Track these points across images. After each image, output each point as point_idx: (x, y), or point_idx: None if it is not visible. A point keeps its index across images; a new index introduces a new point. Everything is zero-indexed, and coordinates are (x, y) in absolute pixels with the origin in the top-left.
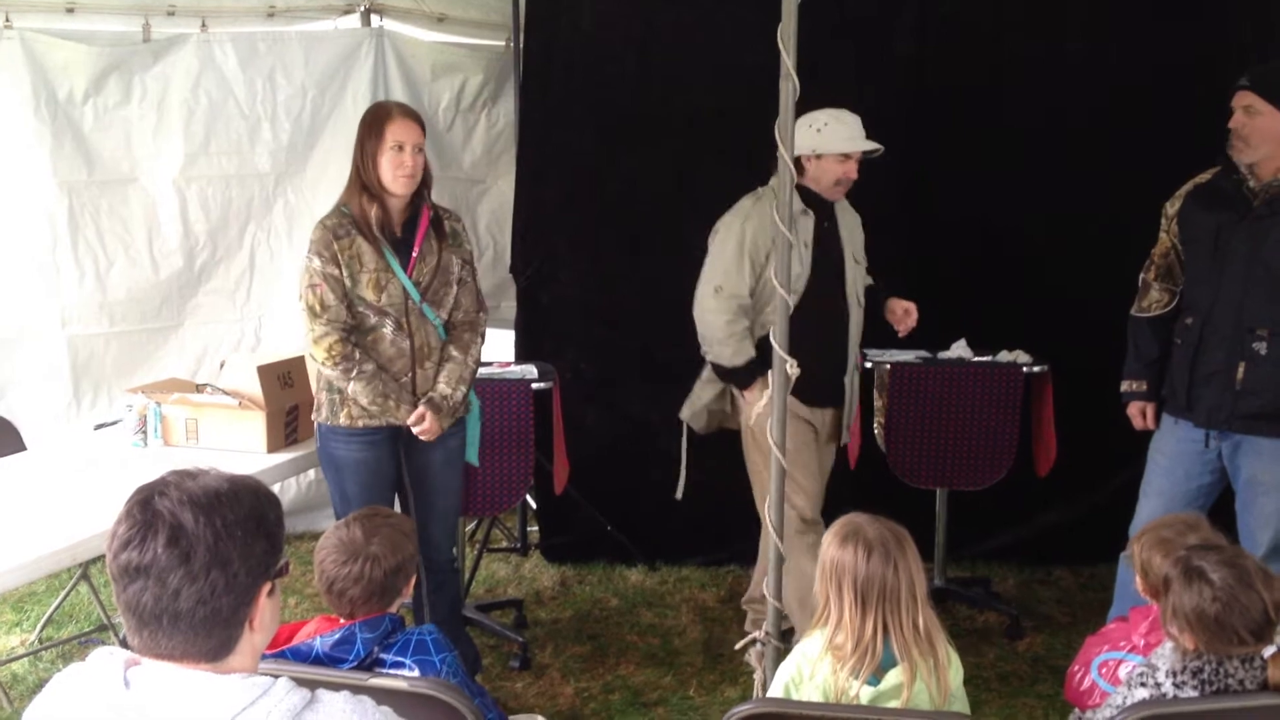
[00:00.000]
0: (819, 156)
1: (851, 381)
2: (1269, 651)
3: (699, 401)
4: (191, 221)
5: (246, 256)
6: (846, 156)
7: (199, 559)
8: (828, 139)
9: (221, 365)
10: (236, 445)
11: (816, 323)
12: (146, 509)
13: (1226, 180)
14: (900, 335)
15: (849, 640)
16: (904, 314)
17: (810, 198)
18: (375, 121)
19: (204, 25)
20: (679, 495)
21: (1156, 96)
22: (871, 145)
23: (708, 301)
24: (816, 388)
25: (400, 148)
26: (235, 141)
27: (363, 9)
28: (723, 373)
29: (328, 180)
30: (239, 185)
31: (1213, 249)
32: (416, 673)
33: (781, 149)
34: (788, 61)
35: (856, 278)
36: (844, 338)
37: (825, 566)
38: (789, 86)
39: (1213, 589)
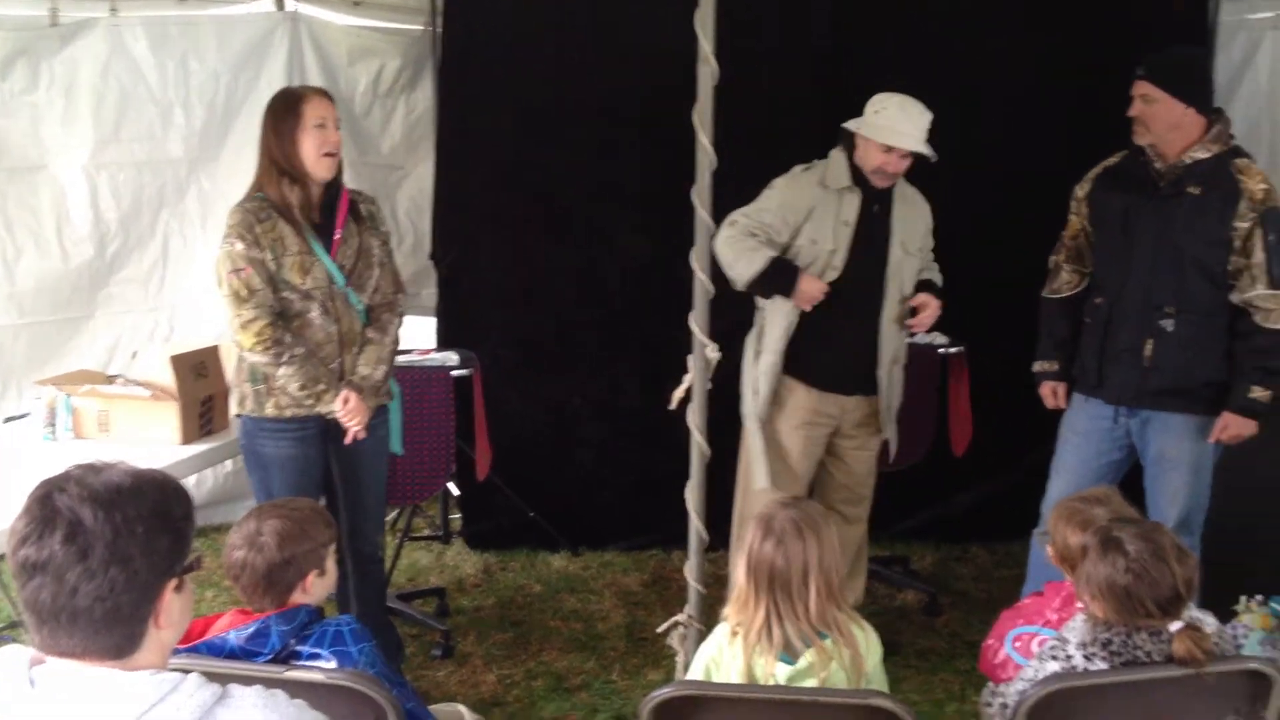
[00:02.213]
0: (866, 139)
1: (889, 373)
2: (1175, 626)
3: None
4: (102, 209)
5: (159, 245)
6: (889, 148)
7: (97, 556)
8: (874, 124)
9: (134, 356)
10: (150, 437)
11: (845, 307)
12: (45, 505)
13: (1134, 163)
14: (910, 329)
15: (744, 622)
16: (918, 307)
17: (860, 178)
18: (289, 103)
19: (113, 9)
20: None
21: (1065, 82)
22: (911, 147)
23: (719, 235)
24: (838, 374)
25: (322, 125)
26: (147, 127)
27: None
28: (756, 288)
29: (243, 166)
30: (151, 172)
31: (1121, 230)
32: (334, 664)
33: (700, 136)
34: (705, 47)
35: (904, 268)
36: (874, 326)
37: (741, 549)
38: (707, 71)
39: (1126, 559)
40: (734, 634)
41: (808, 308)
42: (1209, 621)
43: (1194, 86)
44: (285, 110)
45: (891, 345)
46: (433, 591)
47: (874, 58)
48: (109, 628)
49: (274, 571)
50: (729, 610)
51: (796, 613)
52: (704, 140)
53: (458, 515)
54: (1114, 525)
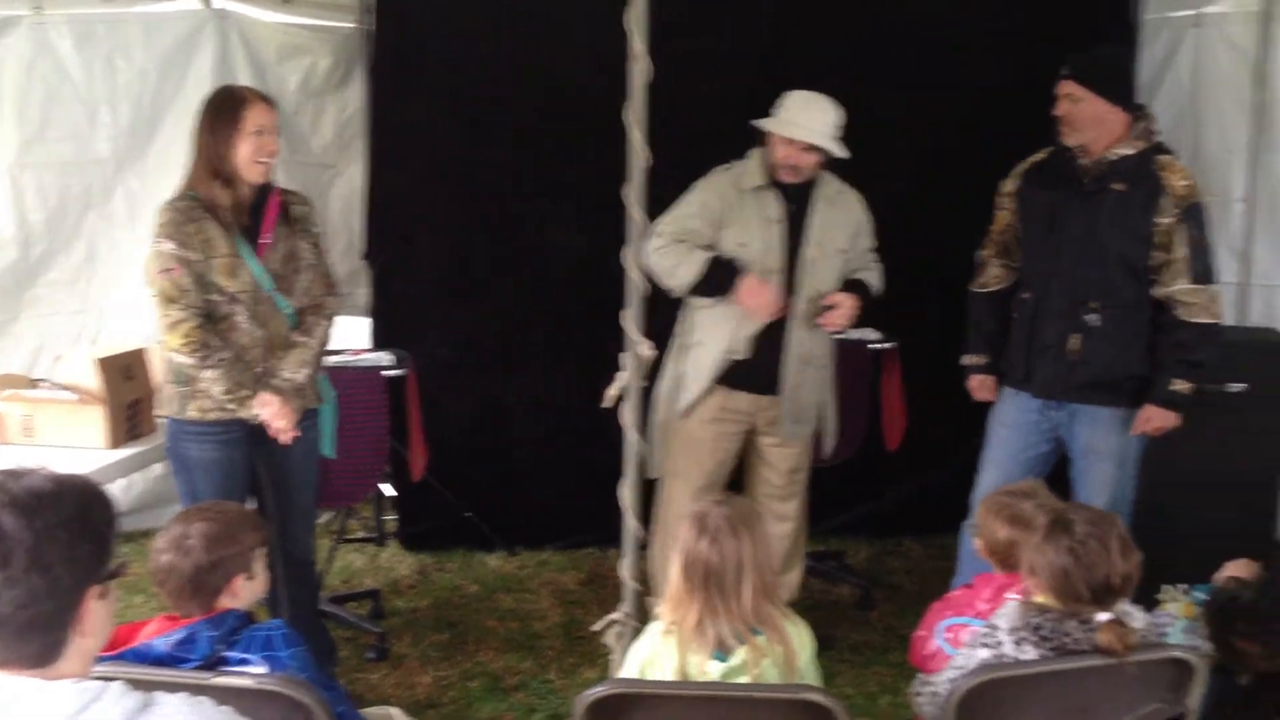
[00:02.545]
0: (772, 135)
1: (798, 374)
2: (1103, 617)
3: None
4: (27, 210)
5: (85, 246)
6: (790, 141)
7: (18, 562)
8: (776, 118)
9: (58, 359)
10: (76, 441)
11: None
12: None
13: (1060, 159)
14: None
15: (679, 619)
16: (831, 305)
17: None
18: (231, 106)
19: (38, 7)
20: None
21: (994, 78)
22: (805, 138)
23: (649, 249)
24: (745, 372)
25: (261, 132)
26: (73, 127)
27: None
28: (699, 291)
29: (171, 166)
30: (77, 172)
31: (1048, 225)
32: (264, 669)
33: (633, 134)
34: (638, 44)
35: (818, 268)
36: (782, 324)
37: (676, 547)
38: (640, 69)
39: (1070, 539)
40: (668, 632)
41: (766, 318)
42: (1138, 617)
43: (1118, 85)
44: (225, 112)
45: (801, 346)
46: (367, 594)
47: (811, 57)
48: (30, 636)
49: (200, 575)
50: (663, 608)
51: (731, 609)
52: (637, 139)
53: (393, 516)
54: (1070, 509)
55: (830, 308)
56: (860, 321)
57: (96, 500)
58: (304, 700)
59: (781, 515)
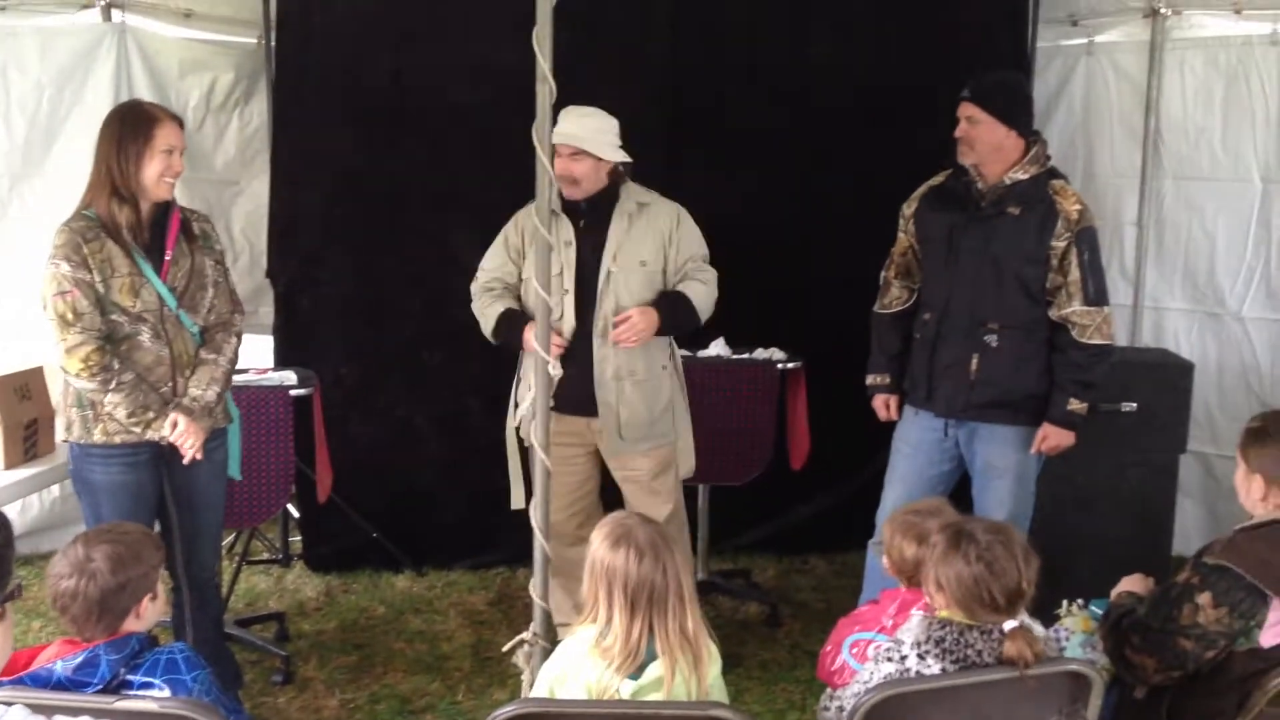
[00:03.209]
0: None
1: (616, 391)
2: (1009, 625)
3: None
4: None
5: None
6: (557, 153)
7: None
8: None
9: None
10: None
11: (566, 329)
12: None
13: (957, 183)
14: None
15: (617, 642)
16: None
17: (567, 203)
18: (140, 124)
19: None
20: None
21: (897, 102)
22: (557, 141)
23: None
24: (566, 394)
25: (171, 151)
26: None
27: (103, 4)
28: (501, 340)
29: (67, 181)
30: None
31: (946, 248)
32: (167, 693)
33: (540, 153)
34: (544, 64)
35: (616, 283)
36: (588, 344)
37: (595, 567)
38: (545, 89)
39: (978, 548)
40: (602, 654)
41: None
42: (1038, 628)
43: (1016, 110)
44: (135, 130)
45: (608, 362)
46: (272, 616)
47: (711, 75)
48: None
49: (108, 598)
50: (586, 628)
51: (669, 629)
52: (544, 158)
53: (297, 538)
54: (967, 521)
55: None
56: (766, 341)
57: None
58: None
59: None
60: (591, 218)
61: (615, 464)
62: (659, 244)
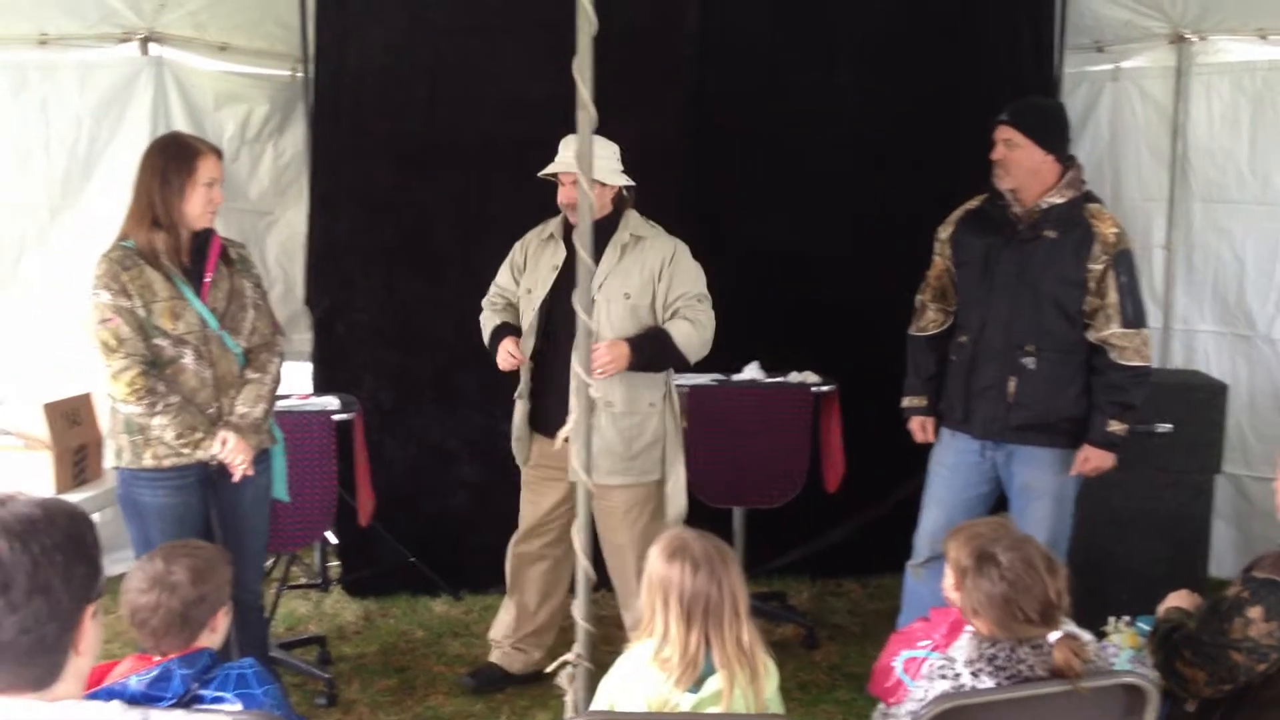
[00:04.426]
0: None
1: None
2: (1054, 636)
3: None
4: None
5: (22, 292)
6: (561, 180)
7: (19, 588)
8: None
9: (1, 404)
10: (23, 487)
11: (555, 352)
12: None
13: (994, 207)
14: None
15: (675, 653)
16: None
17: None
18: (184, 157)
19: None
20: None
21: (926, 128)
22: (555, 169)
23: None
24: (550, 419)
25: (212, 184)
26: (6, 173)
27: (141, 37)
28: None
29: (107, 212)
30: (11, 218)
31: (983, 271)
32: (239, 706)
33: (581, 179)
34: (584, 93)
35: (600, 313)
36: (566, 370)
37: (653, 581)
38: (586, 116)
39: (1000, 569)
40: (662, 666)
41: (503, 367)
42: (1086, 636)
43: (1053, 134)
44: (178, 162)
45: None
46: (313, 640)
47: (740, 100)
48: (34, 659)
49: (189, 610)
50: (644, 642)
51: (725, 641)
52: (584, 185)
53: (336, 563)
54: (986, 543)
55: None
56: (801, 364)
57: (83, 521)
58: None
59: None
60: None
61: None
62: (648, 278)
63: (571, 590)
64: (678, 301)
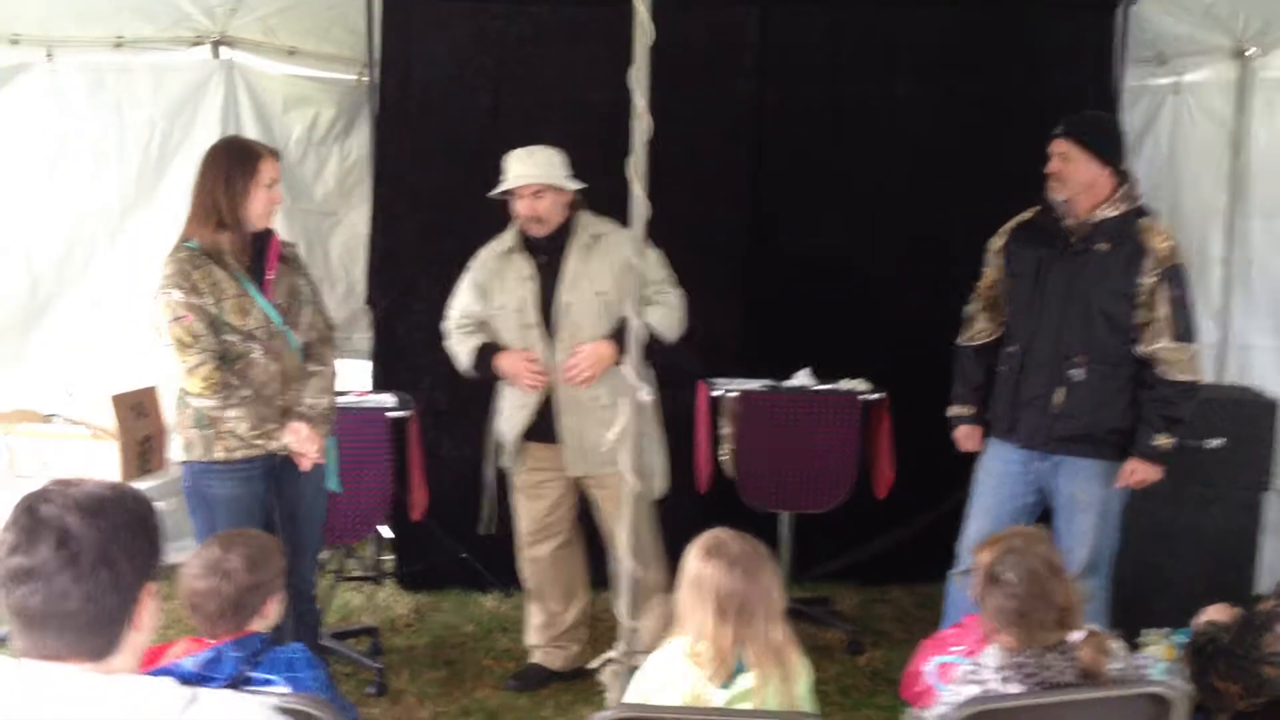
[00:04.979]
0: (511, 199)
1: (579, 419)
2: (1077, 636)
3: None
4: (36, 253)
5: (93, 288)
6: (519, 195)
7: (86, 560)
8: (502, 184)
9: (70, 395)
10: (91, 474)
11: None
12: (33, 515)
13: (1046, 219)
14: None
15: (709, 650)
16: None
17: (529, 239)
18: (246, 160)
19: (50, 54)
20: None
21: (982, 139)
22: (516, 183)
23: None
24: (538, 423)
25: (272, 185)
26: (81, 172)
27: (212, 40)
28: (478, 375)
29: (178, 212)
30: (85, 217)
31: (1034, 282)
32: (287, 689)
33: (635, 187)
34: (640, 102)
35: (572, 313)
36: (553, 374)
37: (689, 578)
38: (641, 125)
39: (1008, 587)
40: (695, 660)
41: (531, 385)
42: (1115, 643)
43: (1109, 147)
44: (241, 164)
45: (570, 391)
46: (365, 630)
47: (796, 113)
48: (96, 629)
49: (243, 596)
50: (684, 640)
51: (758, 639)
52: (638, 191)
53: (390, 557)
54: (995, 561)
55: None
56: (852, 372)
57: (147, 505)
58: None
59: (618, 556)
60: (550, 251)
61: (588, 481)
62: (616, 272)
63: (594, 585)
64: (649, 290)
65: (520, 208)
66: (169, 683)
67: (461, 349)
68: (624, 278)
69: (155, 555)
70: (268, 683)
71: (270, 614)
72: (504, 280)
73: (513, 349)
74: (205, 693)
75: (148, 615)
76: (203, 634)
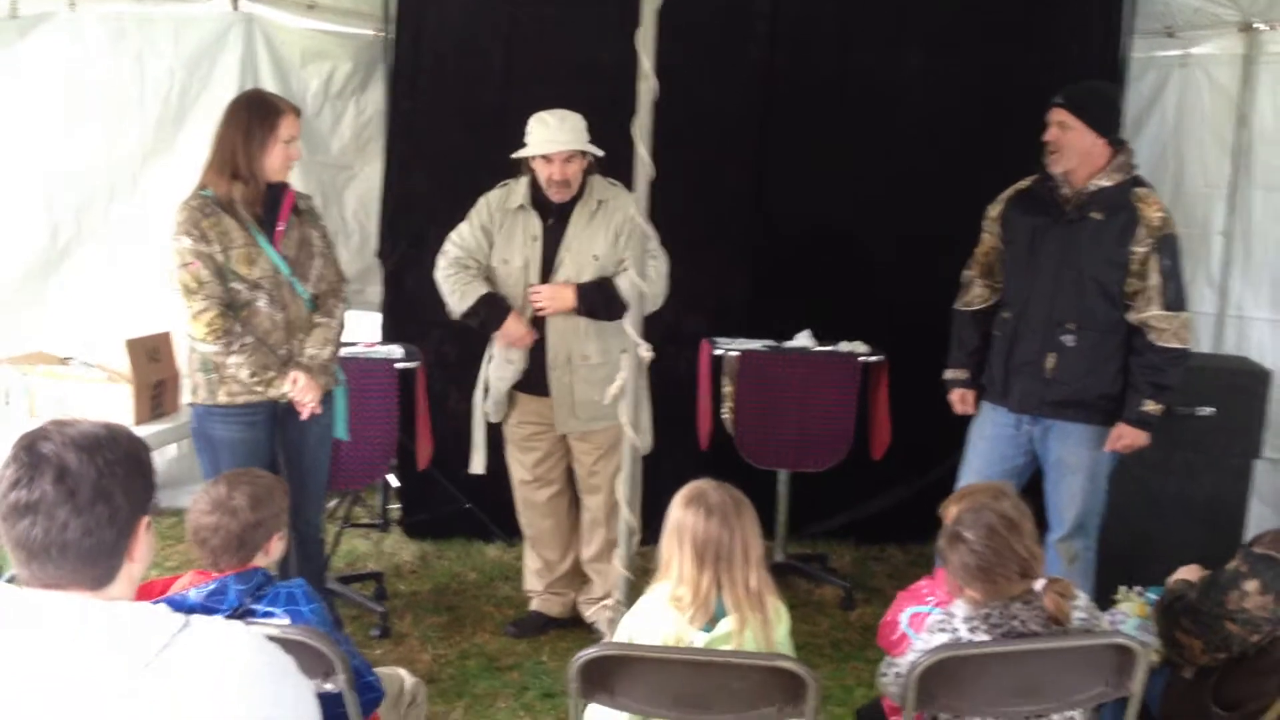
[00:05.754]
0: (532, 160)
1: (568, 373)
2: (1040, 584)
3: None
4: (56, 200)
5: (112, 235)
6: (546, 159)
7: (84, 494)
8: (529, 144)
9: (86, 341)
10: (105, 416)
11: (533, 315)
12: (32, 452)
13: (1043, 187)
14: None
15: (688, 594)
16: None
17: (540, 197)
18: (267, 114)
19: (72, 3)
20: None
21: (983, 108)
22: (543, 150)
23: (438, 263)
24: (529, 376)
25: (290, 141)
26: (102, 121)
27: None
28: (468, 320)
29: (196, 160)
30: (105, 165)
31: (1029, 249)
32: (287, 621)
33: (639, 148)
34: (645, 64)
35: (570, 276)
36: (544, 332)
37: (671, 526)
38: (647, 86)
39: (967, 544)
40: (676, 605)
41: (517, 346)
42: (1083, 598)
43: (1105, 117)
44: (261, 118)
45: (561, 347)
46: (371, 575)
47: (804, 81)
48: (94, 560)
49: (246, 533)
50: (667, 586)
51: (735, 584)
52: (643, 152)
53: (396, 505)
54: (956, 521)
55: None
56: (852, 335)
57: (141, 444)
58: (325, 651)
59: (587, 506)
60: (559, 214)
61: (571, 440)
62: (612, 238)
63: None
64: (647, 248)
65: (551, 172)
66: (163, 609)
67: (466, 290)
68: (618, 242)
69: (149, 490)
70: (269, 615)
71: (273, 551)
72: (512, 236)
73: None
74: (198, 619)
75: (143, 547)
76: (207, 567)
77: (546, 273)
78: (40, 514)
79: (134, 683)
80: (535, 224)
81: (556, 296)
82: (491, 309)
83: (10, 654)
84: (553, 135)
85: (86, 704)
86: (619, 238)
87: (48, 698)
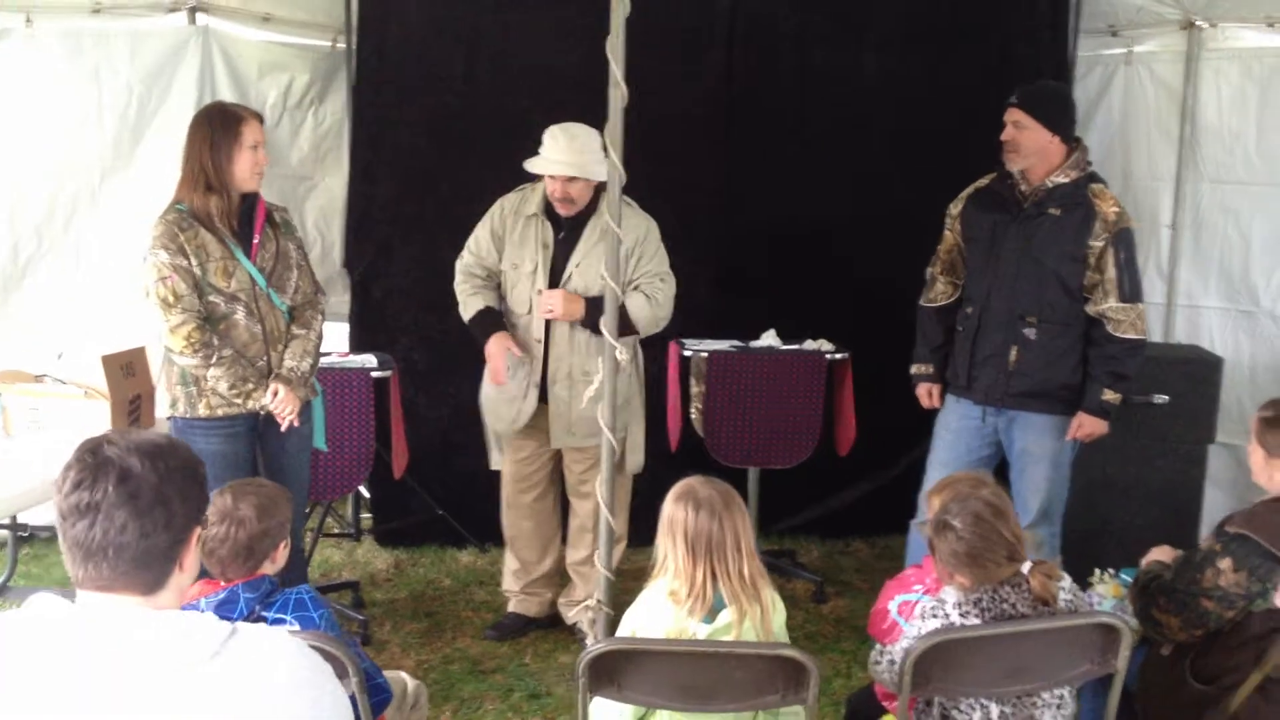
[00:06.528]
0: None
1: (568, 385)
2: (1026, 567)
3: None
4: (16, 216)
5: (73, 251)
6: (552, 177)
7: (145, 498)
8: (539, 154)
9: (59, 356)
10: (82, 433)
11: (549, 324)
12: (96, 455)
13: (1002, 185)
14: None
15: (684, 586)
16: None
17: (554, 206)
18: (229, 123)
19: (29, 20)
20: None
21: (943, 108)
22: (547, 171)
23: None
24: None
25: (256, 147)
26: (60, 137)
27: (188, 7)
28: (471, 331)
29: (155, 175)
30: (65, 181)
31: (989, 245)
32: (298, 627)
33: (611, 154)
34: (616, 71)
35: (584, 290)
36: (545, 344)
37: (664, 522)
38: (617, 93)
39: (955, 532)
40: (673, 598)
41: (496, 368)
42: (1066, 580)
43: (1060, 116)
44: (224, 128)
45: (562, 361)
46: (347, 585)
47: (765, 82)
48: (147, 564)
49: (254, 542)
50: (664, 581)
51: (730, 574)
52: (614, 158)
53: (367, 515)
54: (943, 510)
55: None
56: (816, 333)
57: (195, 455)
58: (337, 654)
59: (575, 511)
60: (571, 227)
61: (564, 454)
62: (622, 256)
63: (565, 538)
64: (641, 278)
65: (552, 189)
66: (211, 617)
67: (468, 303)
68: (626, 263)
69: (203, 502)
70: (279, 622)
71: (279, 558)
72: (524, 243)
73: (510, 324)
74: (244, 626)
75: (192, 558)
76: (215, 577)
77: (554, 283)
78: (100, 514)
79: (186, 688)
80: (548, 233)
81: (566, 305)
82: (482, 326)
83: (61, 659)
84: (552, 155)
85: (138, 709)
86: (627, 255)
87: (99, 703)
